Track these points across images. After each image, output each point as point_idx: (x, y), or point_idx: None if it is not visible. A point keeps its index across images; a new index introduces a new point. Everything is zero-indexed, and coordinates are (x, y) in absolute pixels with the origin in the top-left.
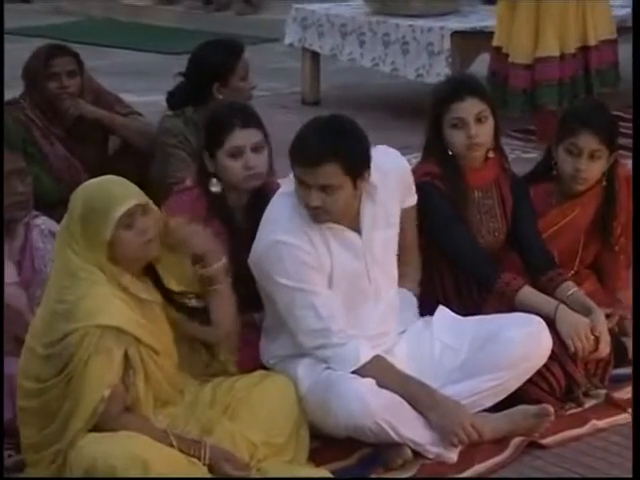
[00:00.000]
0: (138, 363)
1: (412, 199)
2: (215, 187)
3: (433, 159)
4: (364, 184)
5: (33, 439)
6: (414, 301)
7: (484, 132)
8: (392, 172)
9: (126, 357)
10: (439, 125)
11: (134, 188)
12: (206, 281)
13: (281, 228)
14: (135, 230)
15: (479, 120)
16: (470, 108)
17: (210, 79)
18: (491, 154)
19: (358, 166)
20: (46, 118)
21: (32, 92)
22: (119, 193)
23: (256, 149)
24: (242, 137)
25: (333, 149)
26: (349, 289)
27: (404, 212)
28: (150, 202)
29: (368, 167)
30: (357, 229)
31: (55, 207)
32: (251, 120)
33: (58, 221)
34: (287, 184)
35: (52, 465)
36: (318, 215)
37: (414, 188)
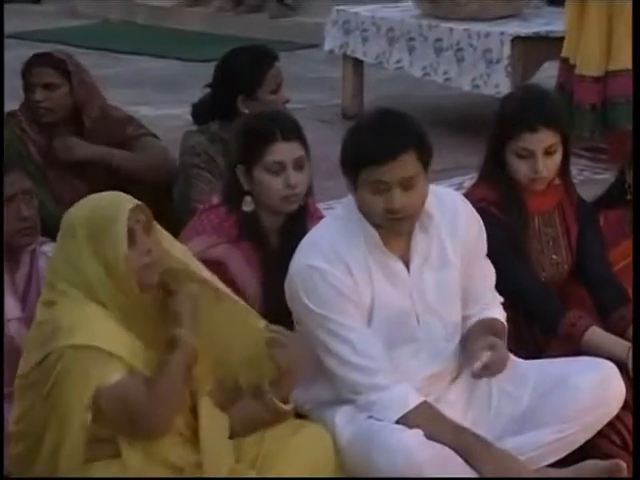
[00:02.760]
0: None
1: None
2: (248, 206)
3: (489, 182)
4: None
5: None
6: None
7: (551, 165)
8: (454, 208)
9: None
10: (502, 147)
11: (129, 196)
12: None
13: (318, 252)
14: (137, 248)
15: (548, 153)
16: (541, 141)
17: (235, 91)
18: (557, 180)
19: (427, 150)
20: (43, 133)
21: (26, 103)
22: (117, 199)
23: (298, 166)
24: (284, 151)
25: (407, 135)
26: (393, 327)
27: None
28: (151, 217)
29: (432, 155)
30: (405, 261)
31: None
32: (294, 132)
33: None
34: (339, 207)
35: None
36: (401, 222)
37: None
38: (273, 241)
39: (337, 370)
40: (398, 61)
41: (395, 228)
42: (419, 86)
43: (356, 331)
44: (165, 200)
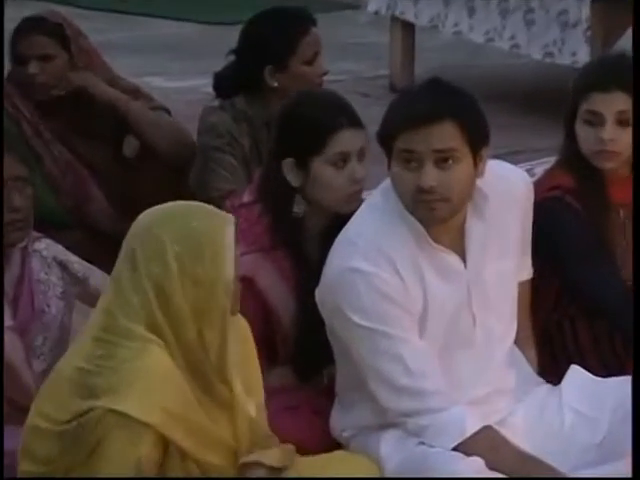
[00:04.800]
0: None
1: (528, 270)
2: (299, 207)
3: (566, 167)
4: (479, 172)
5: None
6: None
7: (624, 139)
8: (514, 186)
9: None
10: (574, 120)
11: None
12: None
13: (360, 252)
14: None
15: (620, 122)
16: (612, 103)
17: (262, 60)
18: None
19: (480, 133)
20: (38, 111)
21: (16, 76)
22: (217, 213)
23: (361, 157)
24: (350, 140)
25: (451, 104)
26: (447, 332)
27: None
28: None
29: (487, 142)
30: (460, 252)
31: (56, 227)
32: (357, 116)
33: (66, 246)
34: (374, 195)
35: None
36: (433, 205)
37: (530, 248)
38: (312, 248)
39: (384, 393)
40: (456, 24)
41: (426, 213)
42: (481, 54)
43: (408, 344)
44: (182, 183)
